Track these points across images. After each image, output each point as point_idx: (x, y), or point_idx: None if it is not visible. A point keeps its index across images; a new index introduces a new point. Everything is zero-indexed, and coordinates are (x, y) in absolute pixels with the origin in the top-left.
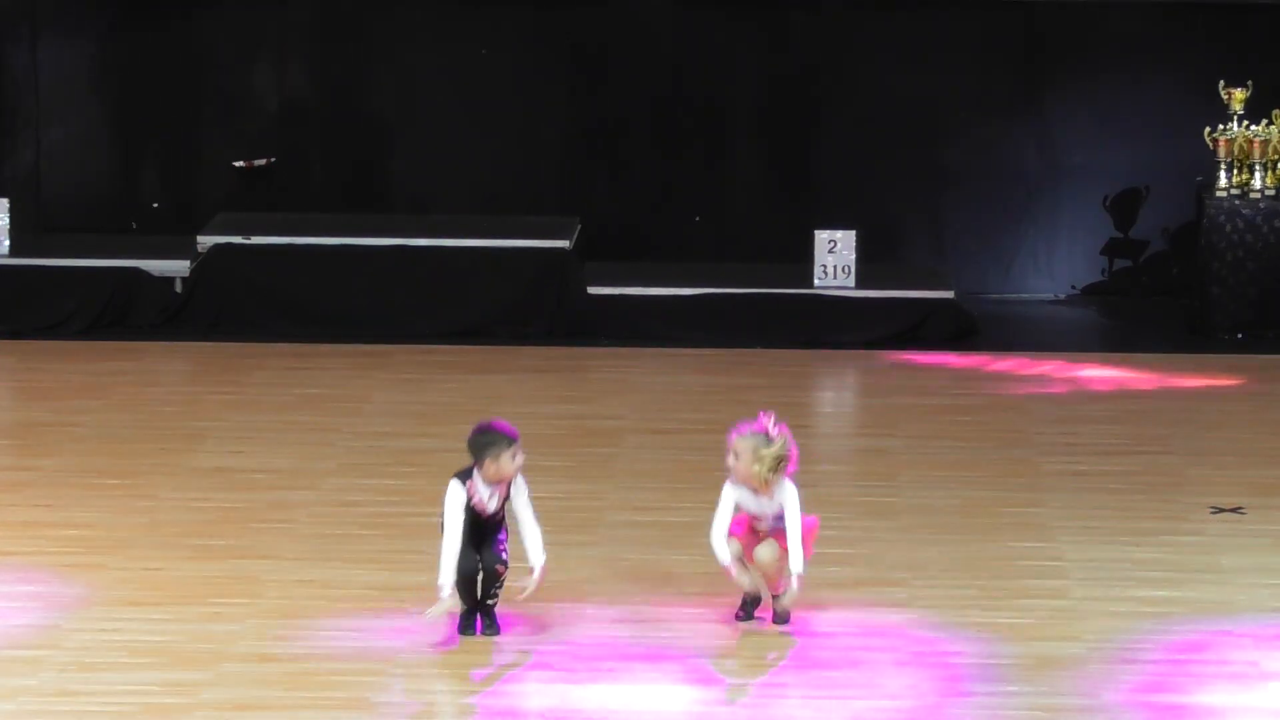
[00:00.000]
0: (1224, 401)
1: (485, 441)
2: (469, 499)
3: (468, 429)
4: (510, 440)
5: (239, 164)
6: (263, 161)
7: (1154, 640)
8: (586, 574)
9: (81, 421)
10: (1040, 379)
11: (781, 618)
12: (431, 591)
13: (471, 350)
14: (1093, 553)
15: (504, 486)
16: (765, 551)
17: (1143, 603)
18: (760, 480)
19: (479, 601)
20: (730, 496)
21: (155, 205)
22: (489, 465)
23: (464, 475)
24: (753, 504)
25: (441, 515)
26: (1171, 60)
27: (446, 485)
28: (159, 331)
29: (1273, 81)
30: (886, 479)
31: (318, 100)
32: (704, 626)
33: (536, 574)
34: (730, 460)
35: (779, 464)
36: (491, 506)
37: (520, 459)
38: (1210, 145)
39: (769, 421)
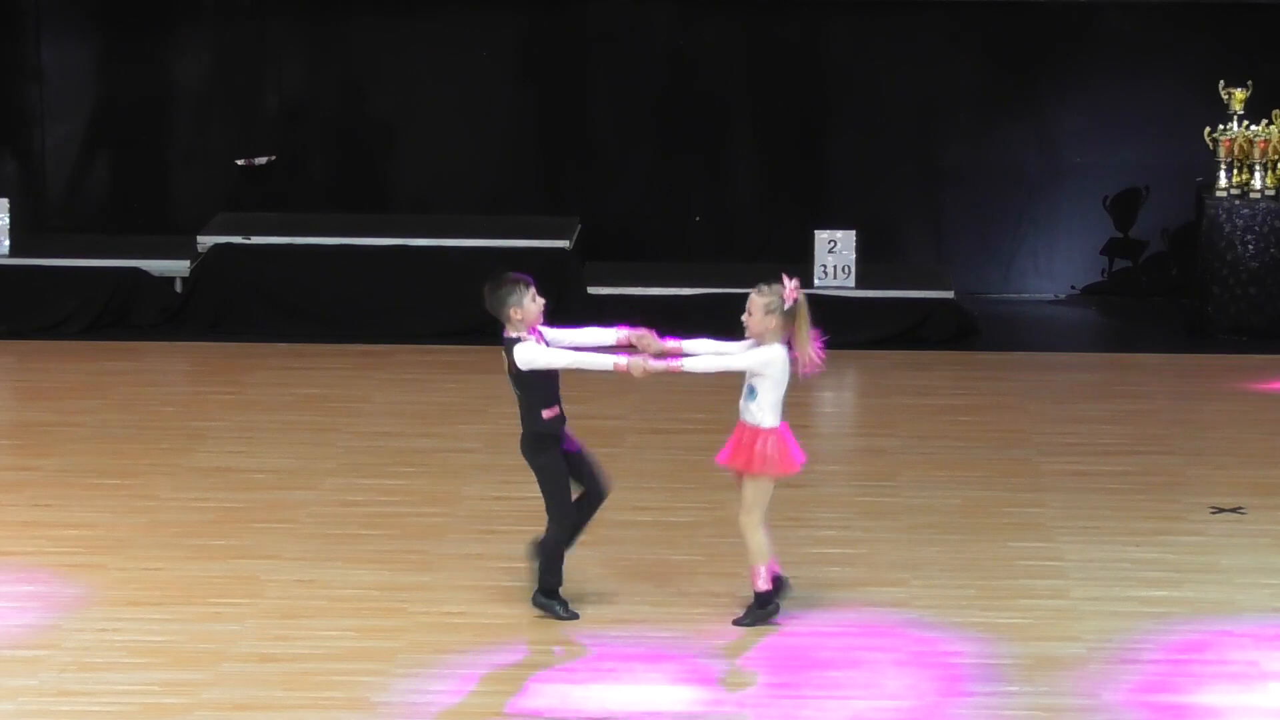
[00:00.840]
0: (1224, 401)
1: (503, 294)
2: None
3: (468, 429)
4: (525, 282)
5: (240, 162)
6: (263, 160)
7: (1154, 640)
8: (586, 574)
9: (81, 421)
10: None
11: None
12: (431, 592)
13: (471, 350)
14: (1093, 553)
15: (539, 333)
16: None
17: (1143, 603)
18: (757, 333)
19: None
20: (741, 345)
21: (136, 209)
22: (515, 313)
23: (512, 340)
24: (747, 354)
25: (539, 367)
26: (1171, 60)
27: (514, 354)
28: (159, 331)
29: (1273, 81)
30: (886, 479)
31: (318, 100)
32: (704, 626)
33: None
34: (744, 317)
35: (778, 315)
36: None
37: (541, 300)
38: (1210, 145)
39: (790, 284)
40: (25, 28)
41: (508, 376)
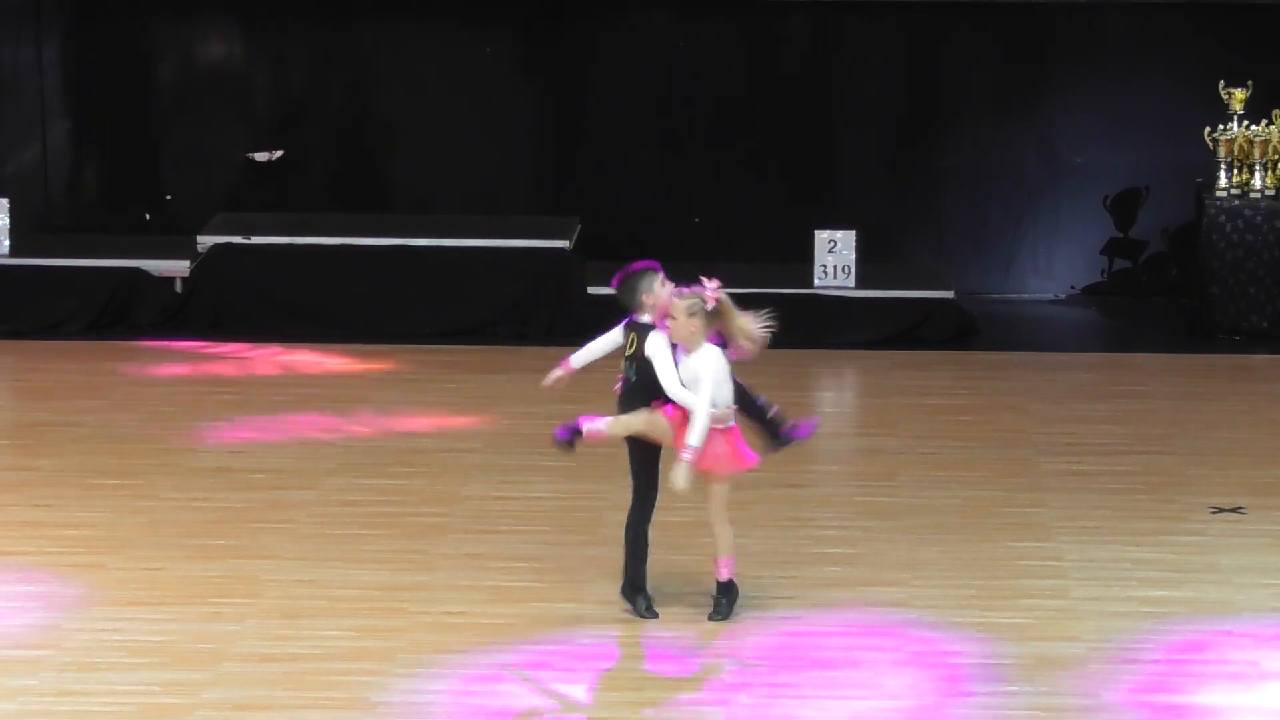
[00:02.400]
0: (1224, 401)
1: (633, 282)
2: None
3: (468, 429)
4: (654, 269)
5: (253, 156)
6: (264, 156)
7: (1154, 640)
8: (586, 574)
9: (81, 421)
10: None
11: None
12: (431, 592)
13: (471, 350)
14: (1093, 553)
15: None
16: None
17: (1143, 603)
18: (683, 337)
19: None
20: (671, 353)
21: (168, 197)
22: (647, 300)
23: (645, 326)
24: (682, 367)
25: (655, 368)
26: (1171, 60)
27: (648, 339)
28: (159, 331)
29: (1273, 81)
30: (886, 479)
31: (318, 100)
32: (704, 626)
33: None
34: (668, 321)
35: (701, 316)
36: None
37: (670, 285)
38: (1210, 145)
39: (710, 286)
40: (28, 26)
41: (625, 359)
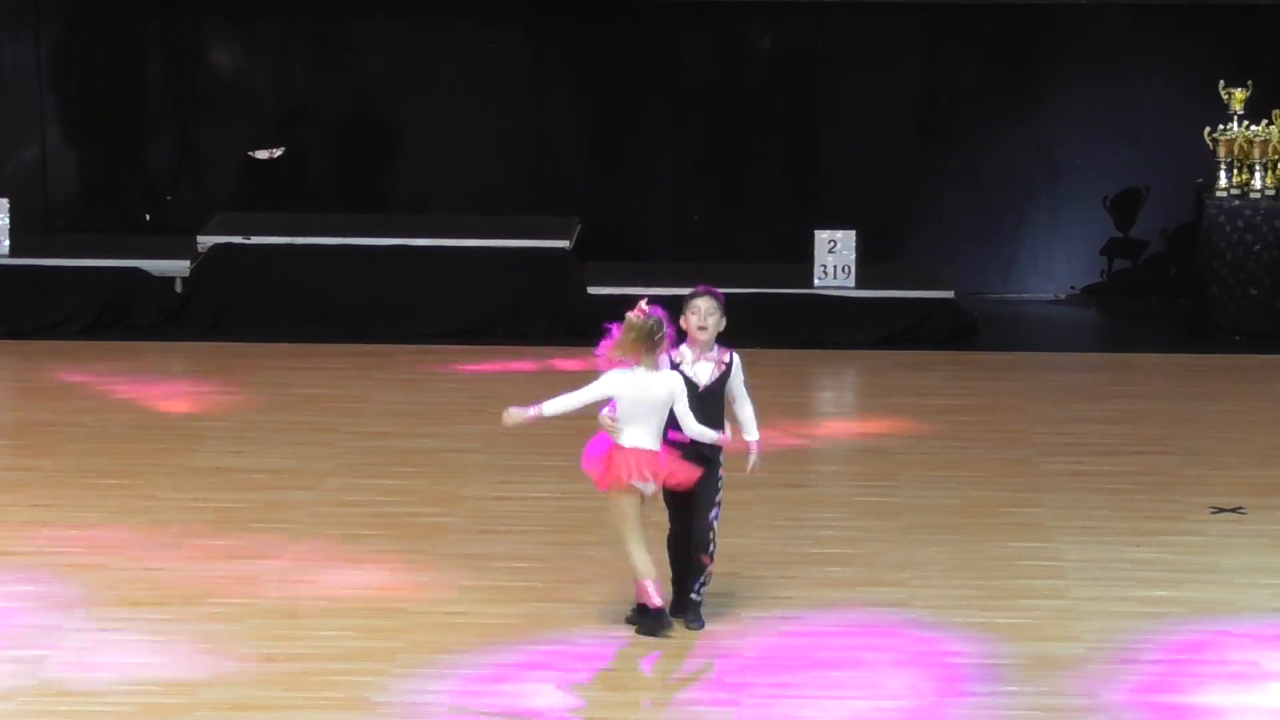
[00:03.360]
0: (1224, 401)
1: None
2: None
3: (467, 429)
4: (698, 293)
5: (253, 154)
6: (264, 154)
7: (1154, 640)
8: (586, 574)
9: (81, 421)
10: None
11: None
12: (431, 592)
13: (471, 350)
14: (1093, 553)
15: (716, 361)
16: None
17: (1142, 603)
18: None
19: (682, 593)
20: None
21: (168, 197)
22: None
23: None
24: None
25: None
26: (1171, 60)
27: None
28: (159, 331)
29: (1273, 81)
30: (886, 479)
31: (318, 100)
32: (704, 626)
33: (753, 452)
34: None
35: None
36: (701, 377)
37: (711, 320)
38: (1210, 145)
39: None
40: (27, 26)
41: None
